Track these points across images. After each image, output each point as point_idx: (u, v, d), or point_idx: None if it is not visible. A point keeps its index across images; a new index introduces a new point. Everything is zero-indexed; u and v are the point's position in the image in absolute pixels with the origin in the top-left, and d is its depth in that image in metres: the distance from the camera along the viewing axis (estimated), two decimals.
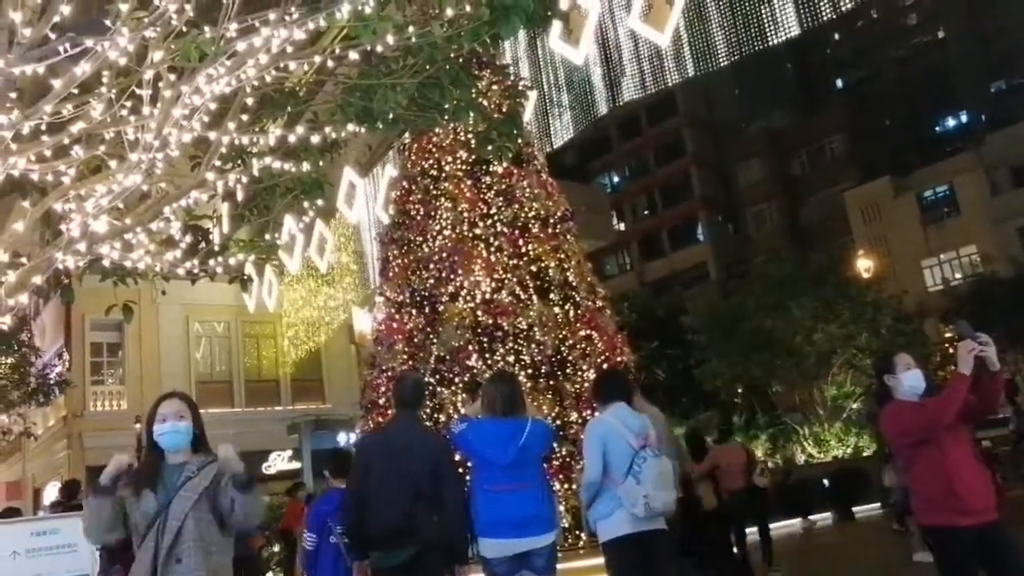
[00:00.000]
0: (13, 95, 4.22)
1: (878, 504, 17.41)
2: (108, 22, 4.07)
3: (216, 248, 6.59)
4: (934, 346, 25.90)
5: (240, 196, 5.87)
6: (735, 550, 9.47)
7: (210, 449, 3.43)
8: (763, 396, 25.51)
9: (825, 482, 18.81)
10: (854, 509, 17.52)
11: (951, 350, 21.65)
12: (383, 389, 11.82)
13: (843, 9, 15.96)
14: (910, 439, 3.77)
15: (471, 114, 6.22)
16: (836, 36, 52.34)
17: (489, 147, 7.36)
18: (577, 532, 10.16)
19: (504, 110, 12.51)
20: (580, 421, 10.82)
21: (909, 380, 3.85)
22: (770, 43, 16.34)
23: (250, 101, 4.99)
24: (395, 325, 12.37)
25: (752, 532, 9.36)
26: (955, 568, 3.65)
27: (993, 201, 36.10)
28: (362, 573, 4.33)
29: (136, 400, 19.63)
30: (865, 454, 22.64)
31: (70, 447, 20.18)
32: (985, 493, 3.70)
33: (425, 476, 4.17)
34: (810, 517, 16.68)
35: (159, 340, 21.41)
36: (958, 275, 34.94)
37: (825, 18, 16.00)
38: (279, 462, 22.01)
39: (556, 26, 7.10)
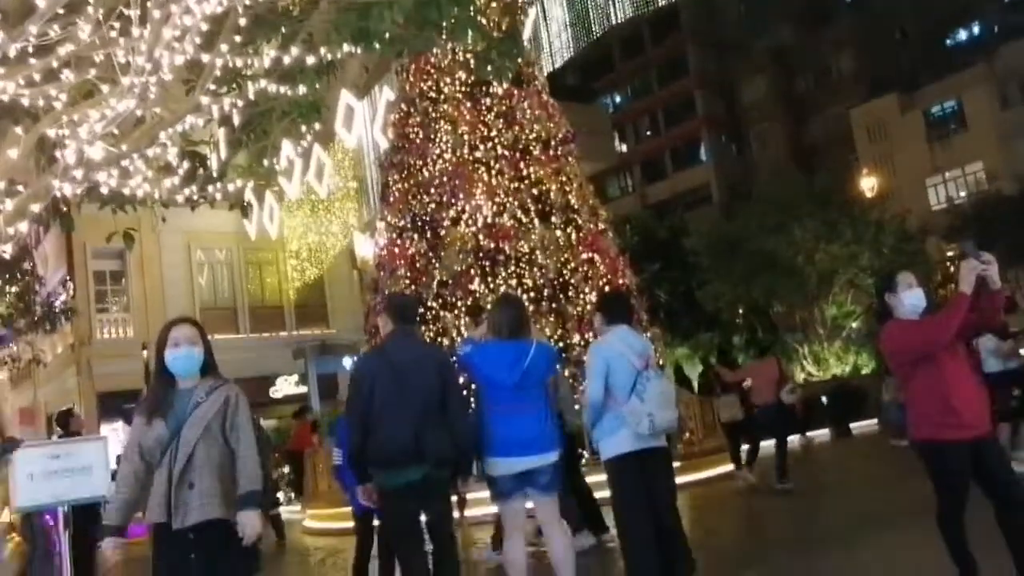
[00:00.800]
0: None
1: (875, 420, 17.76)
2: None
3: (214, 174, 6.53)
4: (936, 264, 25.94)
5: (236, 121, 5.78)
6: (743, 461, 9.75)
7: (219, 374, 3.48)
8: (764, 316, 25.73)
9: (823, 399, 19.15)
10: (851, 426, 17.87)
11: (952, 268, 21.69)
12: None
13: None
14: (909, 357, 3.81)
15: (469, 32, 6.06)
16: None
17: (489, 67, 7.18)
18: (580, 450, 10.38)
19: (504, 28, 12.19)
20: (582, 343, 10.93)
21: (910, 299, 3.86)
22: None
23: (243, 21, 4.84)
24: (397, 250, 12.36)
25: (768, 445, 9.54)
26: (950, 481, 3.74)
27: (1002, 115, 35.43)
28: (367, 494, 4.26)
29: (142, 327, 19.83)
30: (864, 372, 22.99)
31: (79, 374, 20.51)
32: (980, 408, 3.79)
33: (431, 391, 4.14)
34: (808, 434, 17.04)
35: (161, 268, 21.46)
36: (962, 193, 34.63)
37: None
38: (285, 386, 22.41)
39: None
